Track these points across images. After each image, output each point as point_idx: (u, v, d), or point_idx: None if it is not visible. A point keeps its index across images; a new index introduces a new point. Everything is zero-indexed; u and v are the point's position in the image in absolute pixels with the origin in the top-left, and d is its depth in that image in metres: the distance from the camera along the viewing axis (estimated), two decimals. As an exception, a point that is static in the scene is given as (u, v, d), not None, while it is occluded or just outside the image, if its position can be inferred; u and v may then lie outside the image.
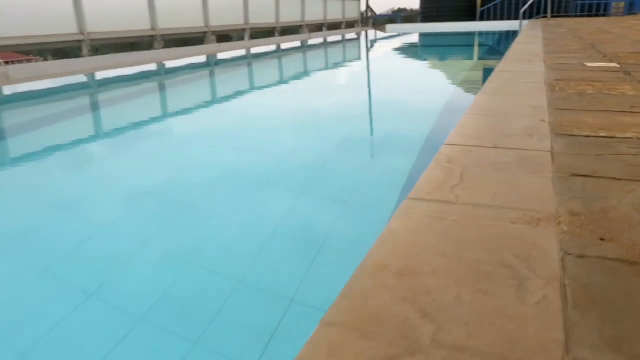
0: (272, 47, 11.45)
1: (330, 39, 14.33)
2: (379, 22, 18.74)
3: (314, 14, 13.82)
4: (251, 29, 10.93)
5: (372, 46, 13.54)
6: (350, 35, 15.88)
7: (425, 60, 10.04)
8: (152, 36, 8.27)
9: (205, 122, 4.46)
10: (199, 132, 3.97)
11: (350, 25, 16.63)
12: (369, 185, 2.42)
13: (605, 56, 3.80)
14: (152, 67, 7.70)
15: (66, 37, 6.81)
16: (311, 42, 13.01)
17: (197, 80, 7.08)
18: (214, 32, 9.68)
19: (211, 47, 9.39)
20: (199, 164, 2.97)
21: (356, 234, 1.89)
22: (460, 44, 13.49)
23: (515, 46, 5.12)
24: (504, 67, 3.34)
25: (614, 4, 17.24)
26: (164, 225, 2.05)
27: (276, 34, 12.04)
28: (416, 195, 1.05)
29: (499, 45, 12.29)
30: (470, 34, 15.44)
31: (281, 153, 3.13)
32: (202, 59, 8.91)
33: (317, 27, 14.35)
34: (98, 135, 4.00)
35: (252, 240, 1.86)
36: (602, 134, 1.52)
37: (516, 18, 16.85)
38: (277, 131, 3.75)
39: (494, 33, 15.59)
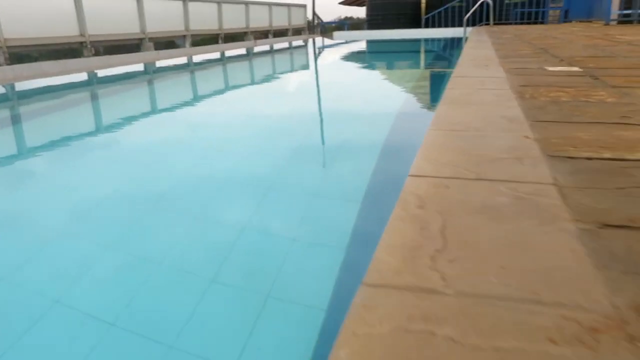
0: (216, 55, 10.91)
1: (276, 46, 13.93)
2: (326, 29, 18.55)
3: (259, 21, 13.39)
4: (192, 35, 10.35)
5: (319, 53, 13.25)
6: (298, 42, 15.55)
7: (373, 67, 9.82)
8: (81, 43, 7.56)
9: (135, 136, 3.93)
10: (129, 148, 3.45)
11: (297, 32, 16.31)
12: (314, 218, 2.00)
13: (562, 60, 3.60)
14: (82, 76, 7.00)
15: (-26, 44, 6.04)
16: (257, 49, 12.56)
17: (129, 91, 6.46)
18: (151, 39, 9.04)
19: (148, 54, 8.75)
20: (122, 183, 2.46)
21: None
22: (407, 50, 13.46)
23: (467, 51, 4.91)
24: (461, 72, 3.04)
25: (550, 12, 17.88)
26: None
27: (220, 41, 11.49)
28: (377, 278, 0.64)
29: (446, 51, 12.32)
30: (417, 41, 15.50)
31: (218, 171, 2.68)
32: (138, 67, 8.26)
33: (263, 34, 13.92)
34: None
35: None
36: (607, 155, 1.18)
37: (460, 25, 17.13)
38: (217, 147, 3.29)
39: (439, 39, 15.73)
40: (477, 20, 17.32)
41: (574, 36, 7.00)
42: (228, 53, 11.28)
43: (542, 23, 17.63)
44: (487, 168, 1.10)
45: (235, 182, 2.47)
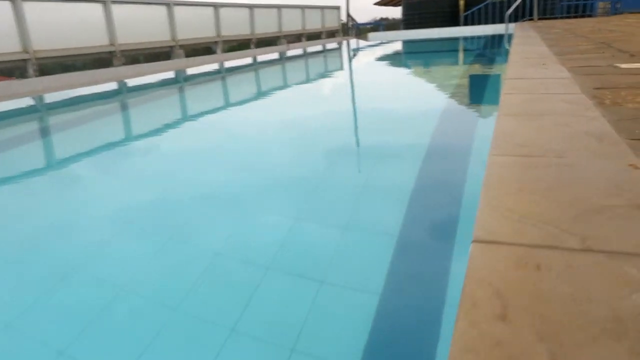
0: (248, 60, 10.73)
1: (310, 49, 13.65)
2: (361, 31, 18.15)
3: (292, 25, 13.14)
4: (224, 41, 10.19)
5: (354, 55, 12.88)
6: (332, 45, 15.23)
7: (410, 69, 9.35)
8: (110, 52, 7.49)
9: (171, 141, 3.72)
10: (167, 154, 3.24)
11: (331, 34, 15.98)
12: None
13: (633, 55, 3.09)
14: (112, 85, 6.92)
15: (10, 55, 6.01)
16: (290, 53, 12.31)
17: (158, 100, 6.30)
18: (182, 46, 8.92)
19: (178, 62, 8.63)
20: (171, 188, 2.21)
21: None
22: (446, 50, 12.89)
23: (516, 48, 4.43)
24: (515, 72, 2.61)
25: (600, 4, 16.85)
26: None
27: (252, 46, 11.31)
28: None
29: (488, 49, 11.70)
30: (456, 40, 14.88)
31: (256, 175, 2.37)
32: (169, 74, 8.14)
33: (296, 38, 13.67)
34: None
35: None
36: None
37: (501, 21, 16.38)
38: (253, 152, 3.01)
39: (480, 37, 15.05)
40: (520, 15, 16.52)
41: (633, 28, 6.35)
42: (260, 58, 11.09)
43: (590, 16, 16.64)
44: (594, 226, 0.71)
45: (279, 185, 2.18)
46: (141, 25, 8.04)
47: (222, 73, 9.33)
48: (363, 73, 8.52)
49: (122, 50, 7.62)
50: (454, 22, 18.43)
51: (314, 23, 14.47)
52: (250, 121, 4.55)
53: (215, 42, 9.99)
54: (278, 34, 12.41)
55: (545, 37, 5.64)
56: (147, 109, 5.55)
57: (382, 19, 24.30)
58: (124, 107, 5.77)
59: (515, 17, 16.43)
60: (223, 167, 2.79)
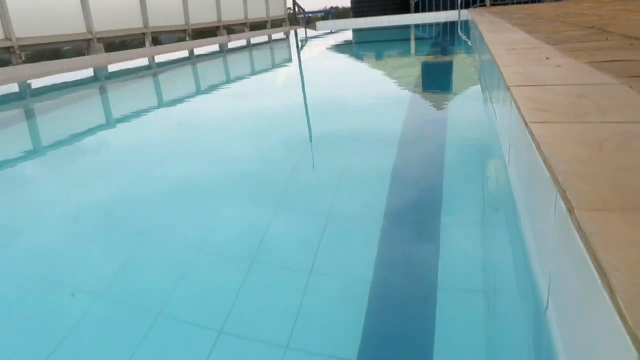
0: (184, 53, 9.59)
1: (254, 40, 12.59)
2: (310, 19, 17.19)
3: (233, 14, 12.02)
4: (153, 32, 9.01)
5: (302, 46, 11.96)
6: (278, 35, 14.20)
7: (364, 60, 8.53)
8: (7, 48, 6.22)
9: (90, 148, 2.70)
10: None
11: (277, 24, 14.96)
12: None
13: (655, 43, 2.37)
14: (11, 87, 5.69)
15: None
16: (232, 44, 11.22)
17: (65, 106, 5.15)
18: (100, 39, 7.70)
19: (96, 58, 7.41)
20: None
21: None
22: (398, 38, 12.19)
23: (490, 36, 3.67)
24: (514, 72, 1.80)
25: (548, -10, 16.67)
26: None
27: (187, 38, 10.15)
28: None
29: (444, 37, 11.07)
30: (408, 27, 14.22)
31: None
32: (85, 73, 6.93)
33: (239, 28, 12.57)
34: None
35: None
36: None
37: (452, 8, 15.90)
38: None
39: (432, 24, 14.47)
40: (471, 1, 16.10)
41: (603, 11, 5.78)
42: (198, 51, 9.96)
43: (539, 1, 16.44)
44: None
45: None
46: (46, 14, 6.77)
47: (153, 69, 8.19)
48: (313, 66, 7.61)
49: (22, 46, 6.36)
50: (404, 9, 17.83)
51: (257, 12, 13.39)
52: (182, 127, 3.60)
53: (143, 34, 8.79)
54: (217, 24, 11.28)
55: (514, 23, 4.95)
56: (51, 120, 4.42)
57: (332, 8, 23.40)
58: (21, 115, 4.61)
59: (466, 4, 16.00)
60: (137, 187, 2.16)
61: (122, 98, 5.38)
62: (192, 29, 10.21)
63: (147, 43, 8.80)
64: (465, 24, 12.13)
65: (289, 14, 16.23)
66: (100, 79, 6.89)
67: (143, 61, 8.32)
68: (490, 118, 2.28)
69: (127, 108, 4.70)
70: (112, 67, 7.55)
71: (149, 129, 3.81)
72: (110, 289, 1.37)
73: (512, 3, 16.16)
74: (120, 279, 1.43)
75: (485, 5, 15.19)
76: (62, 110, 4.85)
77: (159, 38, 9.50)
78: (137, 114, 4.39)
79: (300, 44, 12.65)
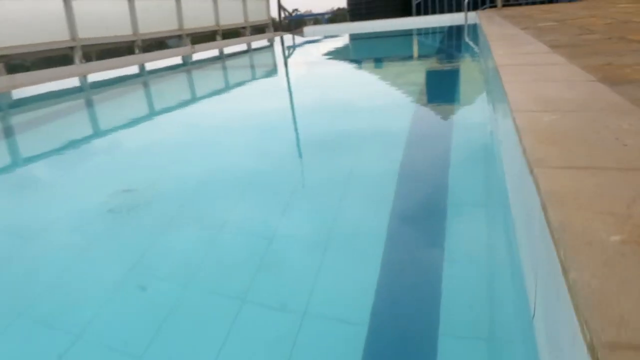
0: (131, 69, 7.90)
1: (228, 49, 10.88)
2: (298, 24, 15.41)
3: (200, 19, 10.30)
4: (85, 46, 7.31)
5: (287, 55, 10.22)
6: (260, 43, 12.45)
7: (360, 76, 6.69)
8: None
9: None
10: None
11: (259, 30, 13.21)
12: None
13: None
14: None
15: None
16: (197, 56, 9.51)
17: None
18: (2, 57, 6.02)
19: (6, 80, 5.73)
20: None
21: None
22: (398, 46, 10.37)
23: (500, 56, 1.90)
24: None
25: (568, -12, 14.76)
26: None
27: (136, 50, 8.44)
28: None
29: (448, 46, 9.23)
30: (409, 34, 12.41)
31: None
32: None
33: (208, 36, 10.84)
34: None
35: None
36: None
37: (458, 10, 14.10)
38: None
39: (436, 29, 12.65)
40: (480, 3, 14.27)
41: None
42: (151, 66, 8.25)
43: (555, 1, 14.55)
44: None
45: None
46: None
47: (85, 91, 6.52)
48: (297, 89, 5.83)
49: None
50: (405, 11, 16.05)
51: (232, 16, 11.64)
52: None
53: (72, 48, 7.09)
54: (178, 32, 9.56)
55: (542, 37, 3.17)
56: None
57: (339, 9, 21.54)
58: None
59: (475, 4, 14.19)
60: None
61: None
62: (143, 40, 8.49)
63: (77, 60, 7.09)
64: (473, 29, 10.33)
65: (276, 19, 14.50)
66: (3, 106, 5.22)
67: (67, 83, 6.61)
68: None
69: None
70: (17, 94, 5.87)
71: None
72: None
73: (527, 3, 14.30)
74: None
75: (496, 7, 13.35)
76: None
77: (93, 53, 7.80)
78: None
79: (286, 52, 10.91)
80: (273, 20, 14.08)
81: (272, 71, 7.64)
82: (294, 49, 11.37)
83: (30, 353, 1.21)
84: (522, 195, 1.03)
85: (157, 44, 9.07)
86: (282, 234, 1.71)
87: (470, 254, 1.40)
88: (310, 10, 18.48)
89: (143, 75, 7.70)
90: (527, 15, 6.74)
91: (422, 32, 12.54)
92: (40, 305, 1.41)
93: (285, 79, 6.85)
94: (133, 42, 8.35)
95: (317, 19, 17.87)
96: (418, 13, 15.91)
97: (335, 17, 17.82)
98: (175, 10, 9.39)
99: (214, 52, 10.54)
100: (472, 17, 11.99)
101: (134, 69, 8.03)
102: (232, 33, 11.76)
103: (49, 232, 1.96)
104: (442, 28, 12.74)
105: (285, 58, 9.84)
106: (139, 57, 8.27)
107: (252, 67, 8.77)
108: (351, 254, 1.51)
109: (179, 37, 9.53)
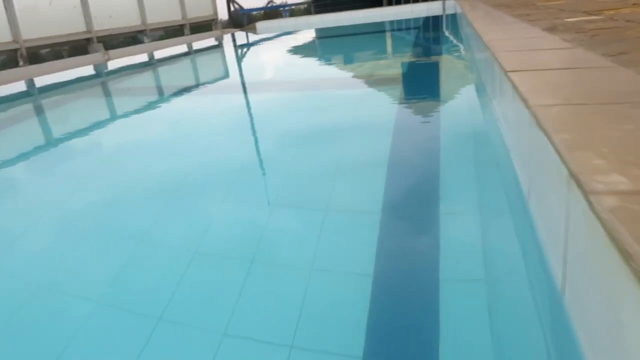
0: (17, 86, 5.98)
1: (160, 53, 8.95)
2: (250, 19, 13.46)
3: (117, 19, 8.32)
4: None
5: (240, 56, 8.35)
6: (202, 43, 10.49)
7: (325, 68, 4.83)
8: None
9: None
10: None
11: (201, 28, 11.23)
12: None
13: None
14: None
15: None
16: (113, 64, 7.56)
17: None
18: None
19: None
20: None
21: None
22: (368, 46, 8.55)
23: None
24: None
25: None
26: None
27: (20, 61, 6.47)
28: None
29: (431, 44, 7.42)
30: (381, 31, 10.61)
31: None
32: None
33: (130, 39, 8.87)
34: None
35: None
36: None
37: (435, -2, 12.37)
38: None
39: (410, 21, 10.90)
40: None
41: None
42: (42, 80, 6.31)
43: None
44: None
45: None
46: None
47: None
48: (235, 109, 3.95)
49: None
50: (375, 2, 14.29)
51: (164, 12, 9.66)
52: None
53: None
54: (87, 36, 7.57)
55: (602, 49, 1.45)
56: None
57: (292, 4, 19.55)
58: None
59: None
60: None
61: None
62: (27, 47, 6.51)
63: None
64: (453, 19, 8.64)
65: (226, 12, 12.55)
66: None
67: None
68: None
69: None
70: None
71: None
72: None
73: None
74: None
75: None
76: None
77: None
78: None
79: (238, 53, 9.04)
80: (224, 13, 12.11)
81: (196, 89, 5.72)
82: (248, 46, 9.51)
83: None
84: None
85: (54, 53, 7.11)
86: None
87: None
88: (286, 1, 16.53)
89: (31, 94, 5.78)
90: (526, 4, 4.97)
91: (395, 27, 10.72)
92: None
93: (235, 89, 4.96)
94: (15, 50, 6.38)
95: (276, 10, 15.95)
96: (389, 3, 14.16)
97: (295, 10, 15.91)
98: (81, 10, 7.40)
99: (142, 58, 8.59)
100: (451, 5, 10.30)
101: (20, 85, 6.10)
102: (169, 33, 9.79)
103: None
104: (418, 19, 10.97)
105: (239, 56, 7.97)
106: (24, 70, 6.31)
107: (202, 67, 6.88)
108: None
109: (87, 42, 7.55)
